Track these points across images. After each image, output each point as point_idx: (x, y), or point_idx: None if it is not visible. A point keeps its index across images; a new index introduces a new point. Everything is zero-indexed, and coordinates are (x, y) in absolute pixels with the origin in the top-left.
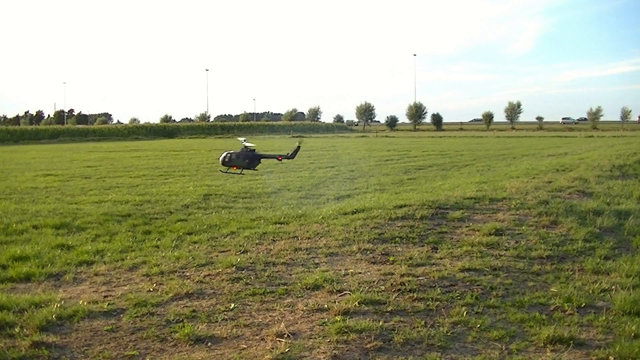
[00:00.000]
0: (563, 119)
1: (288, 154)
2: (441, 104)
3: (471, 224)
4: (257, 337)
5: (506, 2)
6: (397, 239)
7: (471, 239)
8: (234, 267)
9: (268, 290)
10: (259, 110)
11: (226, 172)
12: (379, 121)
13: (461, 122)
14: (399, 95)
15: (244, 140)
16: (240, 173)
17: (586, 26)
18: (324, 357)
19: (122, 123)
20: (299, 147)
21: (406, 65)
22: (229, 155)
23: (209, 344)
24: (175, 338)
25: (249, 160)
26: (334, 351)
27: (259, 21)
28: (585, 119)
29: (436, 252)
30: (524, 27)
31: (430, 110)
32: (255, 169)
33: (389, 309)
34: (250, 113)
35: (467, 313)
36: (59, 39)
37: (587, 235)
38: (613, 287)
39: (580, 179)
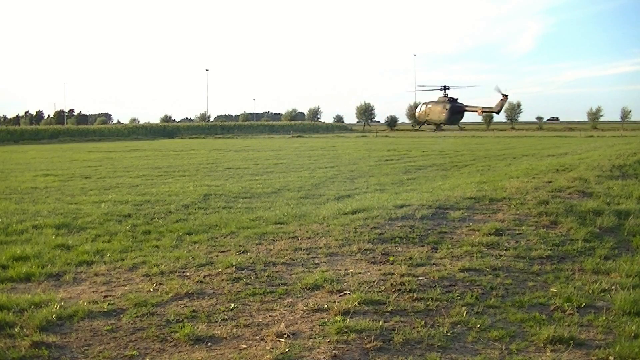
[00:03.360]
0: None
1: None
2: None
3: (471, 224)
4: (257, 337)
5: (506, 2)
6: (397, 239)
7: (471, 239)
8: (234, 267)
9: (268, 290)
10: (259, 110)
11: (419, 129)
12: (378, 121)
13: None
14: (399, 95)
15: (443, 87)
16: (434, 129)
17: (586, 26)
18: (324, 357)
19: (122, 123)
20: (505, 95)
21: (406, 65)
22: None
23: (209, 344)
24: (175, 338)
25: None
26: (334, 351)
27: (259, 21)
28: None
29: (436, 252)
30: (524, 27)
31: None
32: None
33: (389, 309)
34: (250, 113)
35: (467, 313)
36: (59, 39)
37: (587, 235)
38: (613, 287)
39: (580, 179)
